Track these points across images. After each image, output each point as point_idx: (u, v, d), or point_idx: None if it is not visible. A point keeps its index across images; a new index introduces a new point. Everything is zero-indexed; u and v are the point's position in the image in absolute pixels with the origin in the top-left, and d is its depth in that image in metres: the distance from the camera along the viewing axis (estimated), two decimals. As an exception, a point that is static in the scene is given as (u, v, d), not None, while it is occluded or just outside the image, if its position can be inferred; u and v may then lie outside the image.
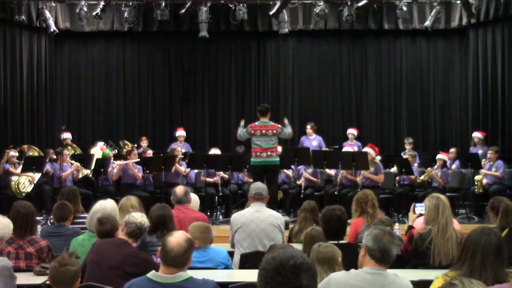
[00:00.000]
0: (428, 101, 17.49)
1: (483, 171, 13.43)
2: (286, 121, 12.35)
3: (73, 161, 13.59)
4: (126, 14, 15.60)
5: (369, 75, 17.60)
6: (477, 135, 14.81)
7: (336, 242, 5.90)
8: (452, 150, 14.57)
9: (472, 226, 7.35)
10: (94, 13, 15.34)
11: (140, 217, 5.81)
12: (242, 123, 12.25)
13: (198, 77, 17.65)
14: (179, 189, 7.77)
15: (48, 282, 4.72)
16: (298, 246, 6.28)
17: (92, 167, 13.60)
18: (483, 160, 13.78)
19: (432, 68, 17.53)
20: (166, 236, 4.51)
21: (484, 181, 13.36)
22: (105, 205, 6.58)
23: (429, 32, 16.46)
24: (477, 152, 14.03)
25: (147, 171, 13.16)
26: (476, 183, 13.32)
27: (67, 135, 14.89)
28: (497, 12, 15.50)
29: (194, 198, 8.19)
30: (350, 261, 4.86)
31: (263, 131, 11.70)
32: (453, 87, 17.38)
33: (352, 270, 4.32)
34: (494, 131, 15.80)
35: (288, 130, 12.08)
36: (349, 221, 6.99)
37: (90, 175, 13.93)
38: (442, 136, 17.39)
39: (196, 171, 13.86)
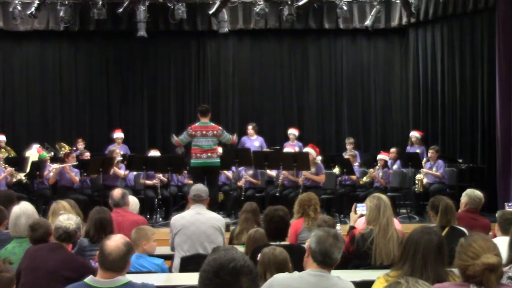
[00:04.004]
0: (369, 101, 17.65)
1: (424, 170, 13.65)
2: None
3: (6, 165, 13.33)
4: (61, 13, 15.39)
5: (310, 75, 17.68)
6: (414, 134, 15.04)
7: (278, 243, 5.92)
8: (393, 150, 14.75)
9: (413, 225, 7.44)
10: (29, 12, 15.06)
11: (66, 220, 5.66)
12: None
13: (137, 78, 17.51)
14: (117, 192, 7.71)
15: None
16: (241, 248, 6.28)
17: (27, 170, 13.37)
18: (424, 159, 14.01)
19: (372, 68, 17.70)
20: (104, 240, 4.47)
21: (425, 180, 13.57)
22: (25, 208, 6.44)
23: (369, 31, 16.61)
24: (417, 152, 14.25)
25: (85, 174, 13.01)
26: (416, 182, 13.52)
27: (1, 138, 14.61)
28: (436, 12, 15.72)
29: (133, 200, 8.15)
30: (293, 263, 4.89)
31: (204, 132, 11.70)
32: (393, 87, 17.58)
33: (296, 272, 4.35)
34: (434, 131, 16.01)
35: (229, 135, 12.13)
36: (289, 221, 7.02)
37: (24, 181, 13.63)
38: (383, 136, 17.56)
39: (135, 173, 13.75)
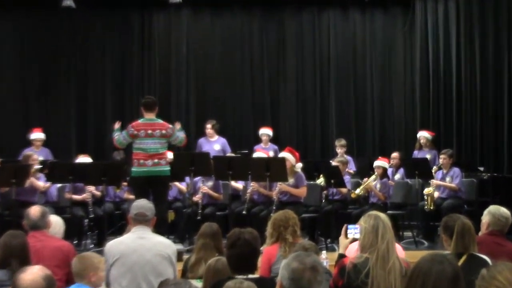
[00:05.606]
0: (364, 91, 17.72)
1: (434, 181, 13.68)
2: (178, 125, 12.28)
3: None
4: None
5: (287, 58, 17.71)
6: (423, 134, 15.06)
7: (245, 276, 5.90)
8: (395, 155, 14.79)
9: (420, 253, 7.47)
10: None
11: None
12: (117, 125, 12.10)
13: (62, 61, 17.44)
14: (34, 211, 7.63)
15: None
16: (197, 283, 6.26)
17: None
18: (434, 167, 14.03)
19: (368, 49, 17.77)
20: (18, 273, 4.43)
21: (436, 194, 13.60)
22: None
23: (364, 2, 16.67)
24: (426, 157, 14.28)
25: (-8, 187, 12.94)
26: (426, 198, 13.54)
27: None
28: (450, -23, 15.86)
29: (56, 221, 8.09)
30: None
31: (149, 131, 11.62)
32: (395, 74, 17.66)
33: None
34: (448, 131, 16.08)
35: (181, 135, 12.08)
36: (261, 248, 6.99)
37: None
38: (382, 136, 17.65)
39: (58, 185, 13.70)
